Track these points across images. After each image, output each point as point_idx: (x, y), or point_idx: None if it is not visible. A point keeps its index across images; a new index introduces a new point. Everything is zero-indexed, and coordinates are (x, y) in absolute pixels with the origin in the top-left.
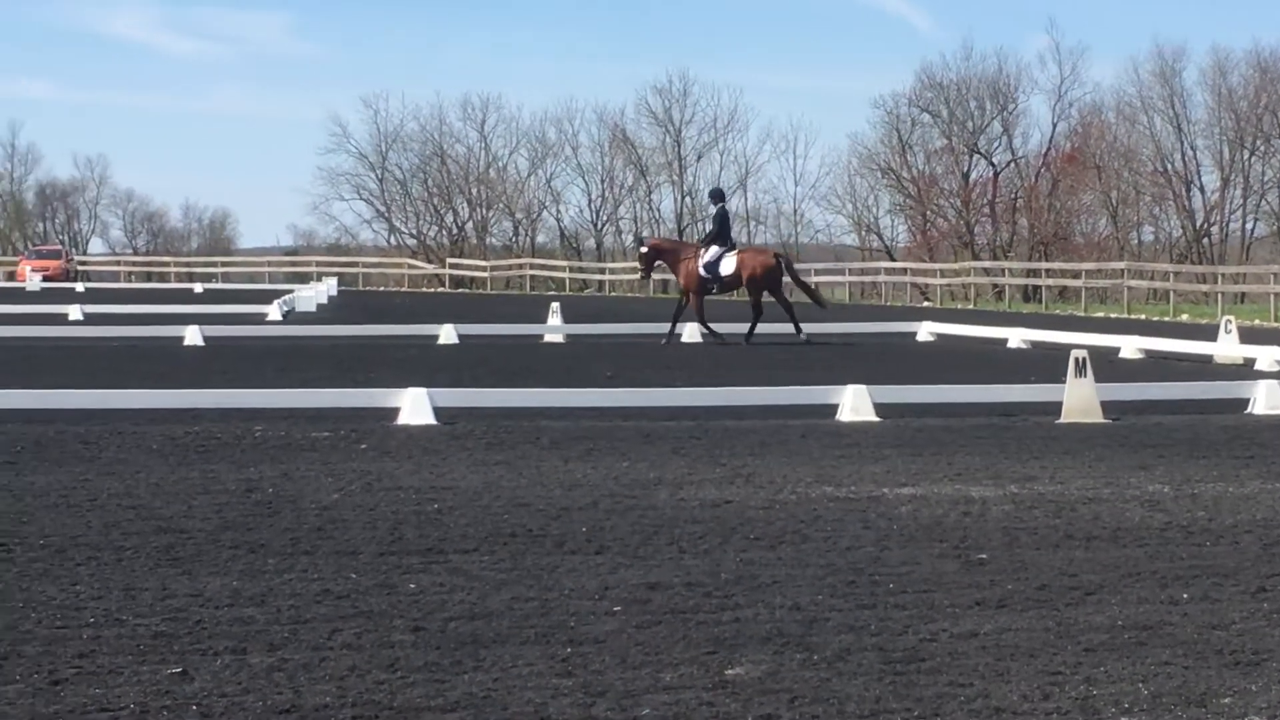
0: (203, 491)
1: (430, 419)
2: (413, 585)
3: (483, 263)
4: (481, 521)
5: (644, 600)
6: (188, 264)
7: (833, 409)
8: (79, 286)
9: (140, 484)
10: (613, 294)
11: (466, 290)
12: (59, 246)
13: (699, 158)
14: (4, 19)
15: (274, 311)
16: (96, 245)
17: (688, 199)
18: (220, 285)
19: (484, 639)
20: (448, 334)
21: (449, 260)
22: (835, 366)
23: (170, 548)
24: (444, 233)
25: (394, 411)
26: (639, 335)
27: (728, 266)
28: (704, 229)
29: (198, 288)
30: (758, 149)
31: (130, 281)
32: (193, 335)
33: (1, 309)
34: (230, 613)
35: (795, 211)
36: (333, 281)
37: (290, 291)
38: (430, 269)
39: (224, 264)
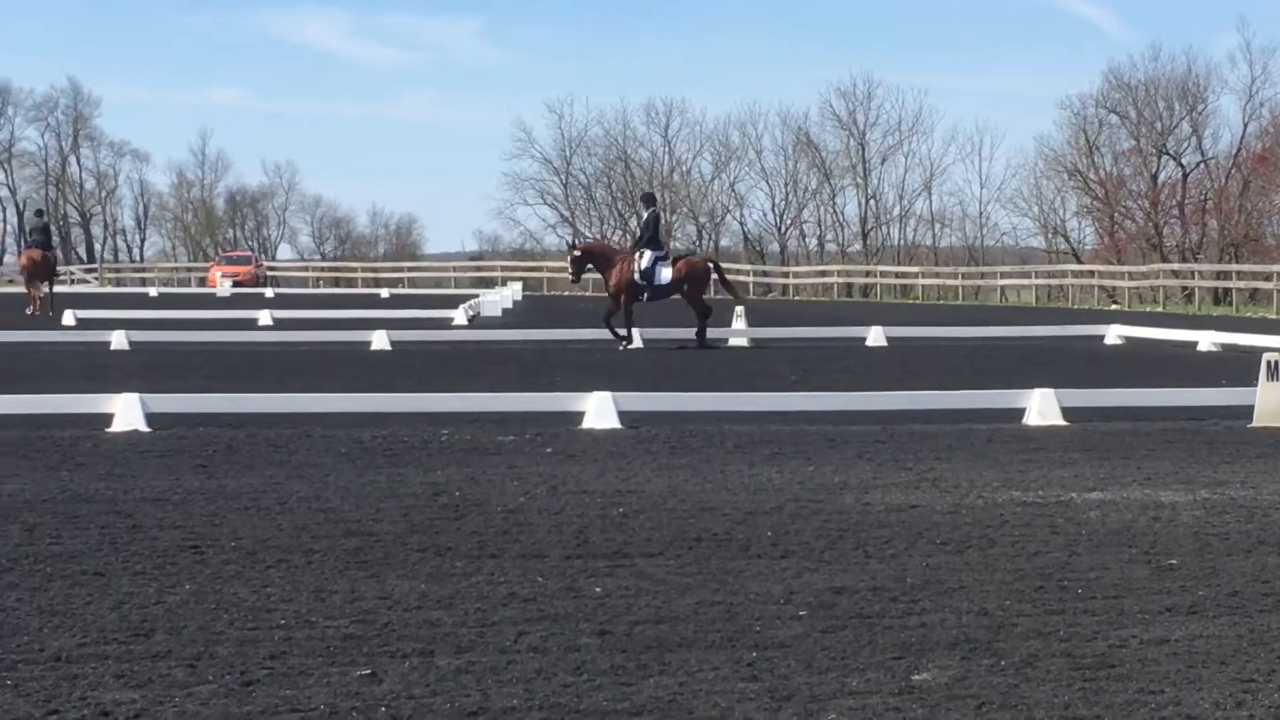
0: (390, 495)
1: (615, 423)
2: (598, 589)
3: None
4: (666, 525)
5: (830, 604)
6: (374, 269)
7: (1019, 413)
8: (268, 292)
9: (329, 487)
10: (797, 298)
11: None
12: (249, 252)
13: (883, 161)
14: (195, 28)
15: (460, 316)
16: (285, 251)
17: (872, 202)
18: (406, 290)
19: (669, 643)
20: (633, 338)
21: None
22: (1022, 370)
23: (359, 551)
24: (628, 237)
25: (579, 415)
26: (824, 339)
27: (665, 275)
28: (886, 233)
29: (384, 293)
30: (943, 151)
31: (318, 286)
32: (380, 340)
33: (194, 314)
34: (418, 615)
35: (981, 214)
36: (517, 286)
37: (475, 296)
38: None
39: (410, 269)
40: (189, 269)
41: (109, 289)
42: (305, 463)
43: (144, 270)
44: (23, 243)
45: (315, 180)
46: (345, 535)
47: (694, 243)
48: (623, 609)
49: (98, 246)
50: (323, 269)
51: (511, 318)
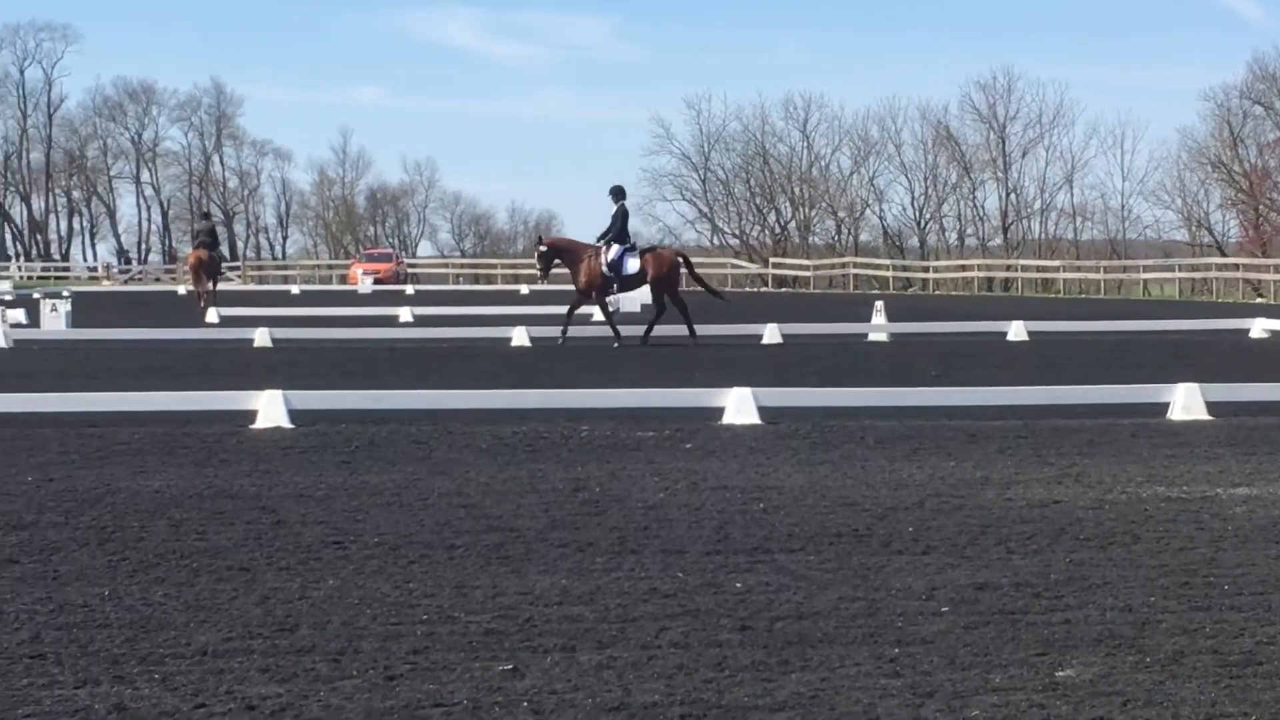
0: (531, 491)
1: (755, 418)
2: (739, 584)
3: (806, 262)
4: (807, 521)
5: (972, 600)
6: (514, 265)
7: (1163, 408)
8: (409, 289)
9: (470, 483)
10: (937, 292)
11: (789, 289)
12: (390, 250)
13: (1024, 154)
14: (335, 28)
15: (598, 312)
16: (425, 248)
17: (1012, 196)
18: (545, 286)
19: (811, 638)
20: (771, 334)
21: (772, 260)
22: (1165, 364)
23: (500, 546)
24: (766, 232)
25: (719, 411)
26: (964, 334)
27: (632, 266)
28: (1027, 226)
29: (524, 289)
30: (1084, 144)
31: (458, 283)
32: (520, 336)
33: (336, 311)
34: (559, 610)
35: (1123, 207)
36: None
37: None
38: (753, 269)
39: None
40: (330, 266)
41: (251, 286)
42: (447, 459)
43: (286, 268)
44: (166, 242)
45: (455, 177)
46: (486, 530)
47: (833, 238)
48: (764, 604)
49: (240, 244)
50: (462, 265)
51: (651, 313)
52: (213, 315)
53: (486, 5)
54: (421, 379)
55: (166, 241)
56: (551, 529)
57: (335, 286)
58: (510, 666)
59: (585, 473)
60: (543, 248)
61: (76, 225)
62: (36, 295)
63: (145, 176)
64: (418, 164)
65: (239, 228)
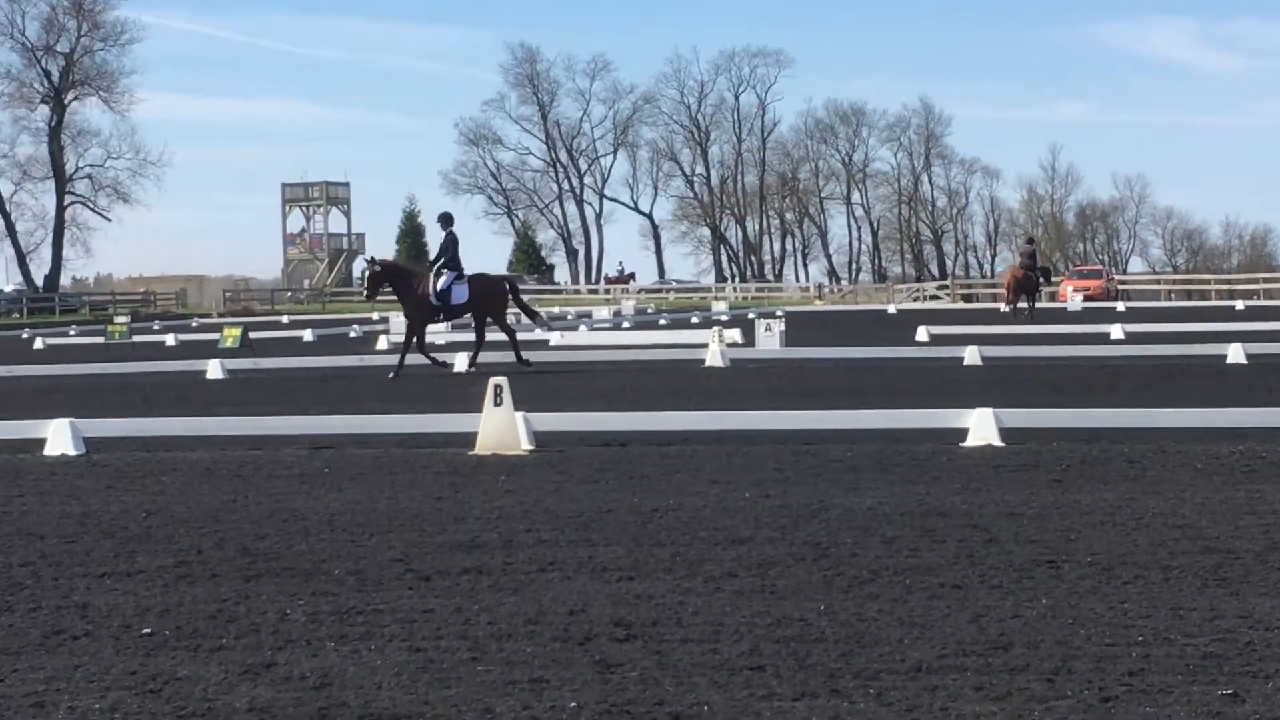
0: (1249, 511)
1: None
2: None
3: None
4: None
5: None
6: (1228, 280)
7: None
8: (1119, 305)
9: (1185, 503)
10: None
11: None
12: (1099, 266)
13: None
14: (1043, 45)
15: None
16: (1135, 264)
17: None
18: (1262, 302)
19: None
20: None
21: None
22: None
23: (1218, 568)
24: None
25: None
26: None
27: (460, 294)
28: None
29: (1239, 305)
30: None
31: (1169, 299)
32: (1235, 353)
33: (1044, 329)
34: None
35: None
36: None
37: None
38: None
39: (1265, 280)
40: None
41: (959, 305)
42: (1160, 478)
43: (994, 285)
44: (875, 262)
45: (1166, 192)
46: (1203, 552)
47: None
48: None
49: (949, 262)
50: (1174, 281)
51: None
52: (922, 334)
53: (1198, 15)
54: (1133, 397)
55: (876, 261)
56: (1271, 551)
57: (1044, 304)
58: (1230, 691)
59: None
60: (376, 268)
61: (789, 246)
62: (751, 315)
63: (855, 197)
64: (1128, 179)
65: (948, 246)
